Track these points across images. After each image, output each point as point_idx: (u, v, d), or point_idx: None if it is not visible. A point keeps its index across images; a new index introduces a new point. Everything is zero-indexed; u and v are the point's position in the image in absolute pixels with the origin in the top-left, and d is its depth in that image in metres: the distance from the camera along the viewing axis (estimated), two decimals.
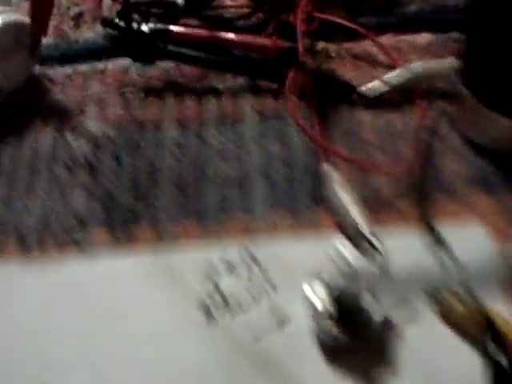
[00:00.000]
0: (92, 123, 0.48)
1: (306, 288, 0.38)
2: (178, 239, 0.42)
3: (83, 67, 0.53)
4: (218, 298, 0.40)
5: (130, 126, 0.48)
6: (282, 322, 0.39)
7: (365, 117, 0.48)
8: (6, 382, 0.38)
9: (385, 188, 0.44)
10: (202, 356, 0.38)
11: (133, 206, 0.44)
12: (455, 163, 0.45)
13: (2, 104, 0.49)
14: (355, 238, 0.41)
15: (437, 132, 0.47)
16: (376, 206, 0.43)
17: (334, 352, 0.37)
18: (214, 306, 0.39)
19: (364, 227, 0.41)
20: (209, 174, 0.45)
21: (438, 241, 0.41)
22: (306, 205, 0.43)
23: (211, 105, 0.49)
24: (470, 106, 0.45)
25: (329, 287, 0.38)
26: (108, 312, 0.39)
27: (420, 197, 0.44)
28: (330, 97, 0.48)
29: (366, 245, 0.40)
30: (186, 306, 0.39)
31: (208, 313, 0.39)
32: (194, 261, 0.41)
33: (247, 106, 0.49)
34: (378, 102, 0.48)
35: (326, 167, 0.44)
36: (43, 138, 0.48)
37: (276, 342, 0.38)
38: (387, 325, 0.38)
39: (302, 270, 0.40)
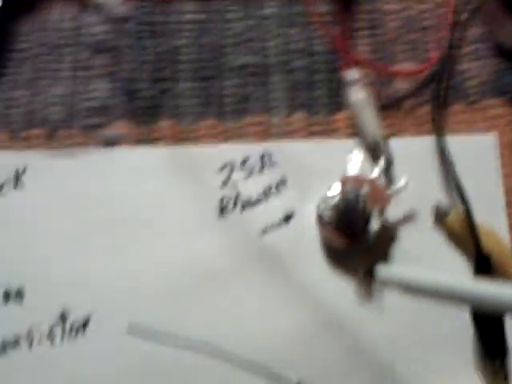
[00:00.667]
0: (113, 1, 0.47)
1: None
2: (198, 134, 0.44)
3: None
4: (229, 190, 0.42)
5: (151, 3, 0.47)
6: (288, 217, 0.41)
7: (389, 6, 0.47)
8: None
9: (405, 93, 0.44)
10: (212, 248, 0.40)
11: (155, 96, 0.45)
12: (480, 69, 0.45)
13: None
14: (370, 145, 0.42)
15: (465, 34, 0.46)
16: (394, 113, 0.44)
17: (333, 251, 0.40)
18: (227, 198, 0.42)
19: (378, 135, 0.42)
20: (230, 65, 0.45)
21: (443, 152, 0.42)
22: (325, 109, 0.44)
23: None
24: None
25: (333, 193, 0.40)
26: (129, 204, 0.42)
27: (438, 104, 0.44)
28: None
29: (378, 152, 0.41)
30: (199, 198, 0.42)
31: (220, 205, 0.41)
32: (209, 154, 0.43)
33: None
34: None
35: (350, 73, 0.44)
36: (65, 17, 0.47)
37: (281, 236, 0.41)
38: (387, 234, 0.40)
39: (315, 172, 0.42)
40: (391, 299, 0.39)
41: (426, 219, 0.41)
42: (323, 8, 0.46)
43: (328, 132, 0.43)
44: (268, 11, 0.47)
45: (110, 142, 0.43)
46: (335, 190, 0.40)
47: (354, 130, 0.43)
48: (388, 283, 0.35)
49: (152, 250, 0.40)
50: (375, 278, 0.35)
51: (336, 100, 0.44)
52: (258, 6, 0.47)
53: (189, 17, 0.47)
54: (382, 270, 0.34)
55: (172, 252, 0.40)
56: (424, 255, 0.40)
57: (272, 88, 0.45)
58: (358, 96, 0.43)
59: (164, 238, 0.41)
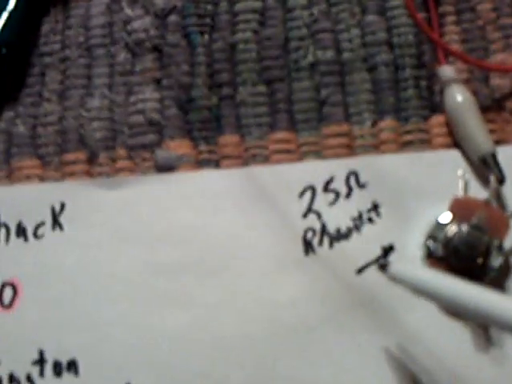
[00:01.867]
0: None
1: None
2: (268, 150, 0.36)
3: None
4: (313, 221, 0.35)
5: None
6: (387, 251, 0.35)
7: None
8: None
9: (506, 92, 0.37)
10: (298, 293, 0.34)
11: (213, 106, 0.37)
12: None
13: None
14: (478, 158, 0.35)
15: None
16: (495, 115, 0.37)
17: None
18: (311, 231, 0.35)
19: (487, 146, 0.35)
20: (299, 63, 0.38)
21: None
22: (417, 114, 0.37)
23: None
24: None
25: (444, 222, 0.33)
26: (192, 238, 0.35)
27: None
28: None
29: (488, 167, 0.35)
30: (279, 231, 0.35)
31: (304, 240, 0.35)
32: (286, 177, 0.36)
33: None
34: None
35: (445, 69, 0.36)
36: (95, 9, 0.39)
37: (380, 275, 0.34)
38: (506, 269, 0.34)
39: (413, 193, 0.35)
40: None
41: None
42: None
43: (423, 142, 0.36)
44: None
45: (165, 166, 0.36)
46: (446, 219, 0.33)
47: (454, 139, 0.36)
48: (398, 281, 0.31)
49: (226, 298, 0.34)
50: (386, 272, 0.31)
51: (428, 102, 0.37)
52: None
53: (244, 5, 0.39)
54: (395, 267, 0.31)
55: (250, 299, 0.34)
56: None
57: (351, 90, 0.37)
58: (458, 98, 0.36)
59: (239, 282, 0.34)
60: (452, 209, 0.34)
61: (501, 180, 0.35)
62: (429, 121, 0.37)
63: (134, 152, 0.36)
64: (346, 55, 0.38)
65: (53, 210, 0.35)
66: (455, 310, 0.31)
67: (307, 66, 0.38)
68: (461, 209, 0.33)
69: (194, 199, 0.35)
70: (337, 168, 0.36)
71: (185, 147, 0.36)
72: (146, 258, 0.34)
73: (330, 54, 0.38)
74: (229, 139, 0.37)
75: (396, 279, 0.31)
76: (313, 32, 0.38)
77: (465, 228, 0.33)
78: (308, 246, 0.34)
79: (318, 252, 0.34)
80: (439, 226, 0.33)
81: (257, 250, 0.34)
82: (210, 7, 0.39)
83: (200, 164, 0.36)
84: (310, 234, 0.35)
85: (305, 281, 0.34)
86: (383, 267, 0.33)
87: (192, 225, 0.35)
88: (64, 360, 0.33)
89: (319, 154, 0.36)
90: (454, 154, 0.36)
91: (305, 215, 0.35)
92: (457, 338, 0.33)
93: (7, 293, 0.34)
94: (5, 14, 0.37)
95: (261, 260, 0.34)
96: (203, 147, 0.36)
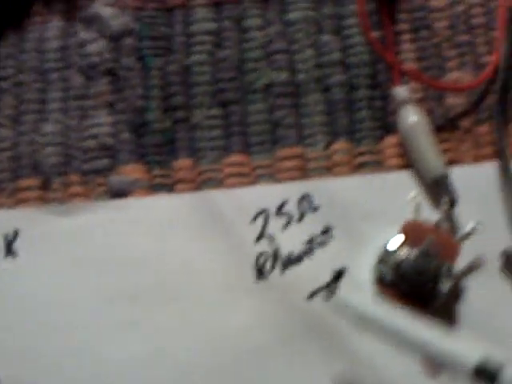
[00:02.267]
0: (107, 11, 0.39)
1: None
2: (222, 174, 0.37)
3: None
4: (266, 245, 0.35)
5: (154, 13, 0.39)
6: (339, 275, 0.35)
7: (434, 2, 0.40)
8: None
9: (460, 111, 0.37)
10: (250, 319, 0.34)
11: (167, 129, 0.37)
12: None
13: None
14: (430, 180, 0.35)
15: None
16: (449, 134, 0.37)
17: None
18: (264, 256, 0.35)
19: (439, 168, 0.35)
20: (253, 85, 0.38)
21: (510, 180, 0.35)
22: (371, 135, 0.37)
23: None
24: None
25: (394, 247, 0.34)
26: (145, 265, 0.35)
27: (500, 120, 0.37)
28: None
29: (440, 189, 0.35)
30: (231, 257, 0.35)
31: (256, 265, 0.35)
32: (240, 201, 0.36)
33: None
34: None
35: (399, 91, 0.36)
36: (50, 32, 0.39)
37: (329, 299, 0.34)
38: (455, 293, 0.34)
39: (365, 216, 0.35)
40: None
41: (494, 268, 0.34)
42: (360, 7, 0.39)
43: (376, 164, 0.36)
44: (292, 15, 0.39)
45: (118, 191, 0.36)
46: (396, 243, 0.33)
47: (407, 160, 0.36)
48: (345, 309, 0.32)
49: (178, 325, 0.34)
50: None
51: (382, 123, 0.37)
52: (280, 10, 0.39)
53: (198, 26, 0.39)
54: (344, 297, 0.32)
55: (203, 326, 0.34)
56: (495, 310, 0.34)
57: (305, 112, 0.37)
58: (411, 119, 0.36)
59: (192, 309, 0.34)
60: (403, 232, 0.34)
61: (453, 202, 0.35)
62: (382, 142, 0.37)
63: (87, 177, 0.36)
64: (300, 76, 0.38)
65: (6, 237, 0.35)
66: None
67: (262, 88, 0.38)
68: (412, 232, 0.34)
69: (148, 224, 0.35)
70: (290, 191, 0.36)
71: (138, 172, 0.36)
72: (100, 286, 0.34)
73: (284, 76, 0.38)
74: (183, 163, 0.37)
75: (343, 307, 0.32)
76: (268, 53, 0.38)
77: (413, 254, 0.33)
78: (259, 272, 0.34)
79: (269, 278, 0.34)
80: (389, 251, 0.33)
81: (210, 276, 0.34)
82: (164, 29, 0.39)
83: (154, 188, 0.36)
84: (262, 260, 0.35)
85: (256, 307, 0.34)
86: (331, 293, 0.33)
87: (146, 250, 0.35)
88: None
89: (273, 176, 0.36)
90: (406, 176, 0.36)
91: (257, 240, 0.35)
92: (405, 363, 0.33)
93: None
94: None
95: (213, 286, 0.34)
96: (157, 171, 0.36)
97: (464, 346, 0.28)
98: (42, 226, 0.35)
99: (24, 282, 0.35)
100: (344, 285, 0.34)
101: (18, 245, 0.35)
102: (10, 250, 0.35)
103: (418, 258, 0.33)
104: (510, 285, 0.34)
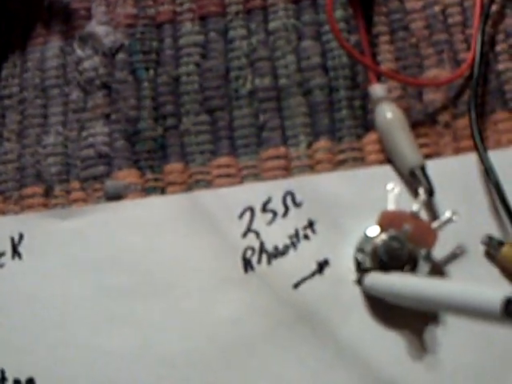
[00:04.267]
0: (101, 29, 0.42)
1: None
2: (211, 175, 0.39)
3: None
4: (252, 240, 0.37)
5: (144, 29, 0.42)
6: (322, 266, 0.36)
7: (409, 4, 0.41)
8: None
9: (438, 106, 0.39)
10: (239, 310, 0.36)
11: (159, 136, 0.40)
12: None
13: None
14: (407, 173, 0.37)
15: (498, 29, 0.40)
16: (429, 129, 0.39)
17: (378, 303, 0.35)
18: (250, 250, 0.37)
19: (415, 161, 0.37)
20: (238, 92, 0.40)
21: (489, 171, 0.37)
22: (351, 133, 0.39)
23: None
24: None
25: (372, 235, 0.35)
26: (139, 262, 0.37)
27: (477, 114, 0.38)
28: None
29: (417, 180, 0.36)
30: (220, 252, 0.37)
31: (243, 258, 0.37)
32: (227, 199, 0.38)
33: None
34: None
35: (375, 89, 0.38)
36: (50, 52, 0.42)
37: (316, 288, 0.36)
38: (433, 274, 0.35)
39: (346, 209, 0.37)
40: (446, 356, 0.34)
41: (477, 254, 0.36)
42: (336, 14, 0.41)
43: (357, 160, 0.38)
44: (273, 24, 0.41)
45: (114, 195, 0.38)
46: (374, 232, 0.35)
47: (386, 155, 0.38)
48: (373, 290, 0.33)
49: (170, 318, 0.36)
50: (362, 286, 0.34)
51: (362, 121, 0.39)
52: (261, 20, 0.42)
53: (187, 39, 0.42)
54: (369, 277, 0.33)
55: (193, 318, 0.36)
56: None
57: (288, 114, 0.40)
58: (387, 115, 0.38)
59: (183, 302, 0.36)
60: (380, 222, 0.35)
61: (430, 191, 0.36)
62: (362, 139, 0.39)
63: (86, 183, 0.39)
64: (282, 81, 0.40)
65: (12, 240, 0.38)
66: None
67: (246, 94, 0.40)
68: (388, 221, 0.35)
69: (141, 225, 0.38)
70: (274, 189, 0.38)
71: (132, 176, 0.39)
72: (97, 283, 0.37)
73: (267, 81, 0.40)
74: (174, 167, 0.39)
75: (372, 290, 0.33)
76: (251, 61, 0.41)
77: (392, 238, 0.34)
78: (247, 264, 0.36)
79: (256, 269, 0.36)
80: (367, 239, 0.35)
81: (199, 271, 0.37)
82: (155, 44, 0.42)
83: (147, 191, 0.39)
84: (249, 253, 0.37)
85: (245, 298, 0.36)
86: (359, 282, 0.35)
87: (139, 249, 0.37)
88: (23, 378, 0.36)
89: (258, 176, 0.38)
90: (386, 170, 0.38)
91: (244, 235, 0.37)
92: (392, 346, 0.35)
93: None
94: None
95: (203, 280, 0.36)
96: (150, 175, 0.39)
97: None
98: (44, 229, 0.38)
99: (28, 282, 0.37)
100: (327, 274, 0.36)
101: (22, 247, 0.38)
102: (16, 252, 0.38)
103: (392, 243, 0.34)
104: (492, 270, 0.36)
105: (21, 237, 0.38)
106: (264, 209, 0.37)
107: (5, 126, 0.41)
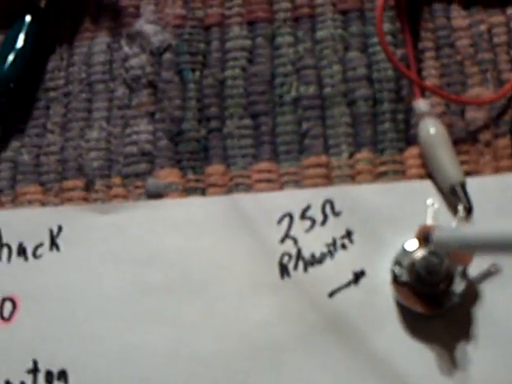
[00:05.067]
0: (149, 28, 0.42)
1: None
2: (251, 180, 0.39)
3: None
4: (290, 246, 0.37)
5: (192, 30, 0.42)
6: (358, 276, 0.37)
7: (456, 21, 0.42)
8: None
9: (480, 124, 0.39)
10: (273, 314, 0.36)
11: (201, 138, 0.40)
12: None
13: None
14: (447, 189, 0.37)
15: None
16: (469, 147, 0.39)
17: (411, 315, 0.35)
18: (287, 255, 0.37)
19: (457, 178, 0.37)
20: (283, 98, 0.41)
21: None
22: (393, 146, 0.39)
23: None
24: None
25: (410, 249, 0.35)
26: (177, 260, 0.37)
27: None
28: None
29: (457, 197, 0.37)
30: (257, 256, 0.37)
31: (280, 264, 0.37)
32: (266, 204, 0.38)
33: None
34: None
35: (420, 104, 0.38)
36: (97, 47, 0.43)
37: (350, 298, 0.36)
38: (471, 296, 0.36)
39: (385, 222, 0.37)
40: (477, 373, 0.34)
41: (511, 273, 0.36)
42: (384, 27, 0.41)
43: (397, 173, 0.38)
44: (321, 34, 0.42)
45: (155, 193, 0.39)
46: (412, 246, 0.35)
47: (427, 170, 0.38)
48: (446, 244, 0.32)
49: (205, 318, 0.36)
50: (432, 241, 0.33)
51: (404, 134, 0.39)
52: (309, 28, 0.42)
53: (234, 43, 0.42)
54: (438, 232, 0.32)
55: (227, 320, 0.36)
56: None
57: (331, 123, 0.40)
58: (431, 131, 0.38)
59: (218, 303, 0.36)
60: (418, 236, 0.35)
61: (469, 209, 0.36)
62: (404, 153, 0.39)
63: (127, 180, 0.39)
64: (327, 90, 0.40)
65: (51, 232, 0.38)
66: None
67: (290, 101, 0.40)
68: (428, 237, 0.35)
69: (180, 224, 0.38)
70: (314, 197, 0.38)
71: (174, 176, 0.39)
72: (133, 278, 0.37)
73: (312, 90, 0.40)
74: (215, 169, 0.39)
75: (443, 244, 0.33)
76: (297, 68, 0.41)
77: (430, 254, 0.35)
78: (284, 270, 0.37)
79: (292, 276, 0.37)
80: (405, 253, 0.35)
81: (235, 273, 0.37)
82: (202, 46, 0.42)
83: (187, 192, 0.39)
84: (286, 259, 0.37)
85: (279, 303, 0.36)
86: (426, 239, 0.34)
87: (177, 248, 0.37)
88: (55, 370, 0.36)
89: (299, 183, 0.39)
90: (426, 185, 0.38)
91: (282, 240, 0.37)
92: (423, 360, 0.35)
93: (7, 307, 0.37)
94: (13, 52, 0.41)
95: (239, 282, 0.37)
96: (191, 176, 0.39)
97: None
98: (83, 223, 0.38)
99: (65, 273, 0.37)
100: (363, 285, 0.36)
101: (61, 239, 0.38)
102: (54, 244, 0.38)
103: (431, 258, 0.34)
104: None
105: (59, 229, 0.38)
106: (303, 216, 0.38)
107: (49, 118, 0.41)
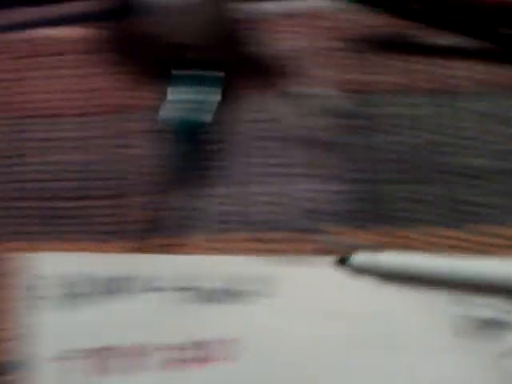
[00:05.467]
0: (324, 90, 0.43)
1: None
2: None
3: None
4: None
5: (363, 93, 0.43)
6: None
7: None
8: None
9: None
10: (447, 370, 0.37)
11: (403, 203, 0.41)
12: None
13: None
14: None
15: None
16: None
17: None
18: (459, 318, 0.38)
19: None
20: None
21: None
22: None
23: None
24: None
25: None
26: (368, 315, 0.38)
27: None
28: None
29: None
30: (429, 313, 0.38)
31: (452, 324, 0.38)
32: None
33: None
34: None
35: None
36: (265, 105, 0.43)
37: None
38: None
39: None
40: None
41: None
42: None
43: None
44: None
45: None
46: None
47: None
48: (364, 271, 0.35)
49: (388, 372, 0.37)
50: (348, 266, 0.36)
51: None
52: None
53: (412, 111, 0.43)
54: (357, 258, 0.35)
55: (416, 374, 0.37)
56: None
57: None
58: None
59: (406, 356, 0.37)
60: None
61: None
62: None
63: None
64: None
65: (269, 280, 0.39)
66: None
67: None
68: None
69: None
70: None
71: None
72: (346, 331, 0.38)
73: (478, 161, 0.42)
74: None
75: (360, 270, 0.35)
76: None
77: None
78: (455, 330, 0.38)
79: (465, 335, 0.38)
80: None
81: (417, 329, 0.38)
82: (376, 110, 0.43)
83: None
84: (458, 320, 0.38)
85: (452, 361, 0.37)
86: (342, 261, 0.37)
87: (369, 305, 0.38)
88: None
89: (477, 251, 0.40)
90: None
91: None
92: None
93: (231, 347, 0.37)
94: None
95: (420, 338, 0.38)
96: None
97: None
98: (301, 274, 0.39)
99: (277, 321, 0.38)
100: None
101: (277, 288, 0.39)
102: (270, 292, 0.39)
103: None
104: None
105: (276, 278, 0.39)
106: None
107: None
